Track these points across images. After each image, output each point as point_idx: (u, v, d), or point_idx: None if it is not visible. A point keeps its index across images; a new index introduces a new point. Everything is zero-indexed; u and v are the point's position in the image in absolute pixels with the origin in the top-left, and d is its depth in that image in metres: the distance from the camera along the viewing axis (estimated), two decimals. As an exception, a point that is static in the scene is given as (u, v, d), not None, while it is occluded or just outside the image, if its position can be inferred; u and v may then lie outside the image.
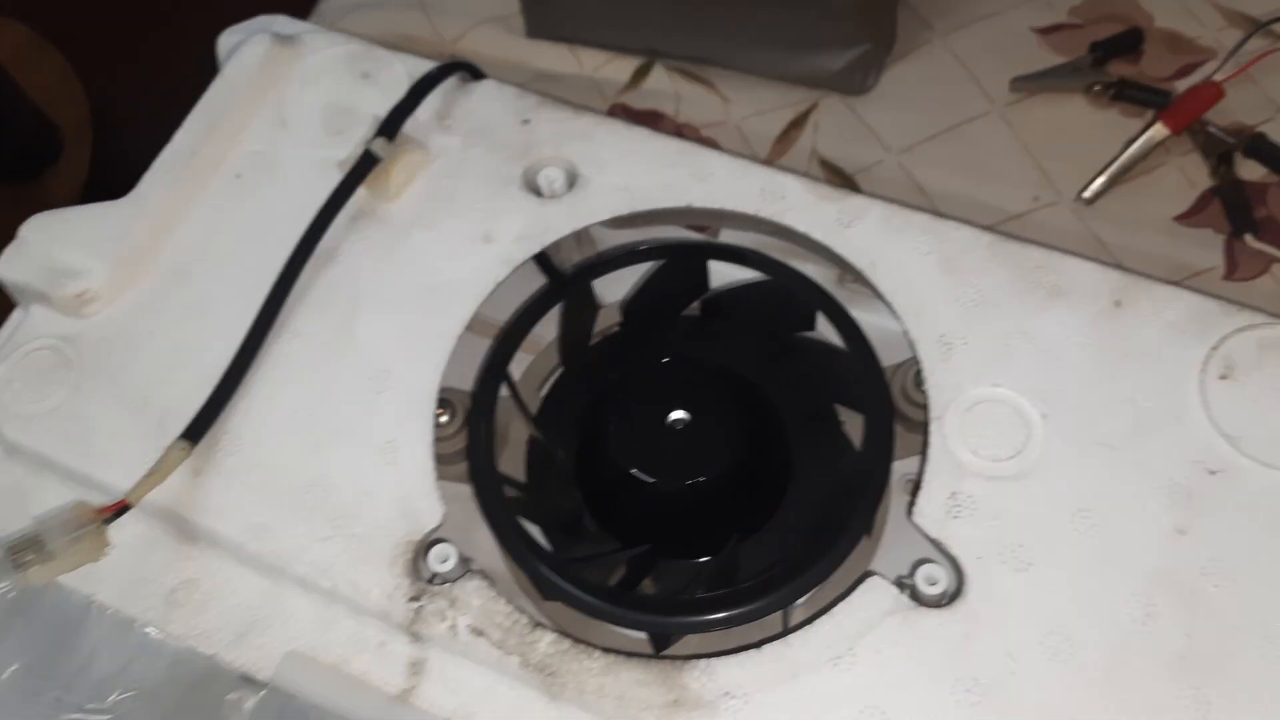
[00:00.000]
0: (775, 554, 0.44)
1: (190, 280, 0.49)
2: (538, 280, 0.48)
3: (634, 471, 0.44)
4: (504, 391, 0.46)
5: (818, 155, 0.57)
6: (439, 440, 0.44)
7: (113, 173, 0.50)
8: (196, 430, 0.44)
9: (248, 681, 0.42)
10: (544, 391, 0.50)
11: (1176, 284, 0.45)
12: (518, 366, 0.49)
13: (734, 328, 0.48)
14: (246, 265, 0.48)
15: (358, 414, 0.45)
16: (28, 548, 0.39)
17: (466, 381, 0.46)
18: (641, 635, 0.43)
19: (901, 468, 0.44)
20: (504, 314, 0.48)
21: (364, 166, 0.47)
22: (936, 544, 0.40)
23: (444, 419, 0.45)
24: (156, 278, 0.49)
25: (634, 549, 0.43)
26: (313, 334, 0.46)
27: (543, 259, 0.48)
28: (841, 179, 0.50)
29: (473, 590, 0.41)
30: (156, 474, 0.42)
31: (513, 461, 0.48)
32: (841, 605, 0.40)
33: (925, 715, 0.38)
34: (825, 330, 0.47)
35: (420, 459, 0.44)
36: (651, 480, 0.44)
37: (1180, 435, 0.41)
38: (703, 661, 0.39)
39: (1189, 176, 0.56)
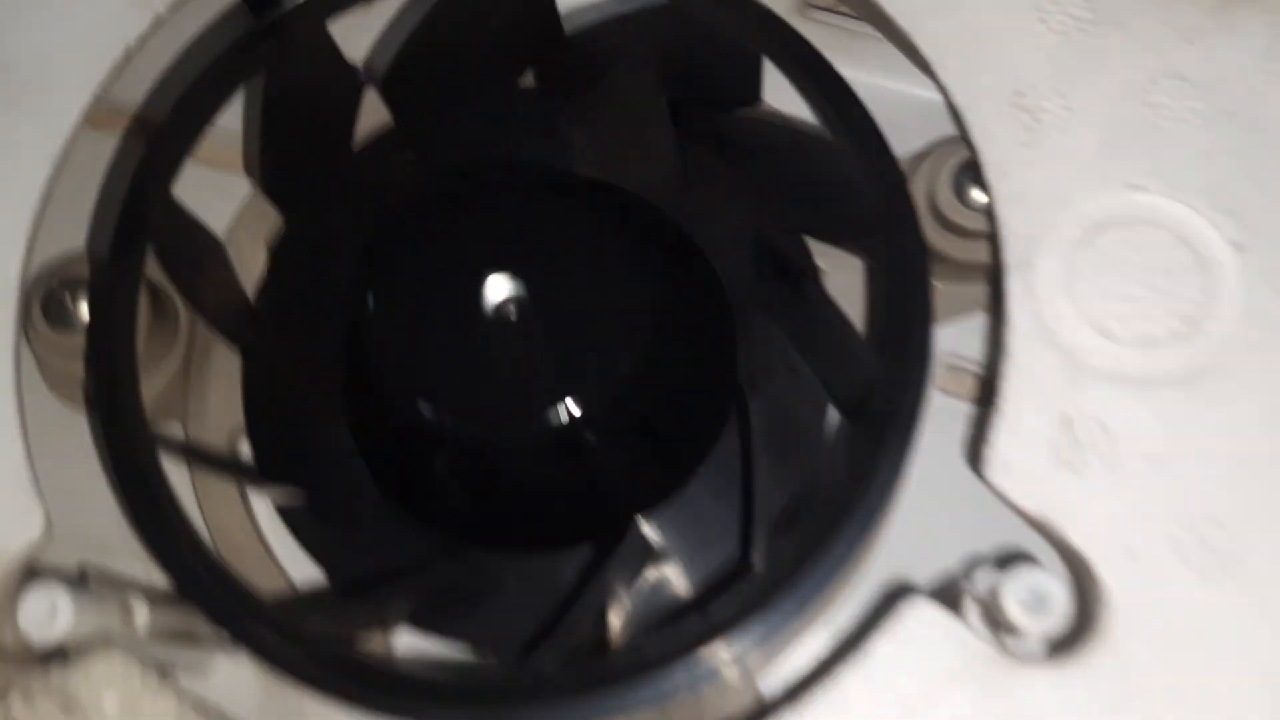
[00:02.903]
0: (711, 548, 0.24)
1: None
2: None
3: (423, 411, 0.24)
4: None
5: None
6: (44, 362, 0.26)
7: None
8: None
9: None
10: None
11: None
12: (203, 202, 0.27)
13: (611, 104, 0.27)
14: None
15: None
16: None
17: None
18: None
19: (948, 341, 0.26)
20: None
21: None
22: (1039, 526, 0.22)
23: (74, 318, 0.26)
24: None
25: (428, 565, 0.23)
26: None
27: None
28: None
29: (106, 676, 0.23)
30: None
31: (225, 387, 0.27)
32: (852, 670, 0.21)
33: None
34: (783, 100, 0.28)
35: None
36: (459, 427, 0.24)
37: None
38: None
39: None
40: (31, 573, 0.24)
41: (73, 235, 0.27)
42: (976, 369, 0.26)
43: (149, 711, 0.23)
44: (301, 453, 0.27)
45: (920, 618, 0.22)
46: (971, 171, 0.26)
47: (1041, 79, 0.25)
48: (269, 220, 0.30)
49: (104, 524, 0.26)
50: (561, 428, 0.24)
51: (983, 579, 0.22)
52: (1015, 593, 0.22)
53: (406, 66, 0.27)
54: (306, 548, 0.26)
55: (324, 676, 0.22)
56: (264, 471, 0.26)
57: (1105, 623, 0.22)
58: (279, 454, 0.27)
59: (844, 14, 0.30)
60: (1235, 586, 0.21)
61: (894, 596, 0.23)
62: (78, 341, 0.26)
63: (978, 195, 0.27)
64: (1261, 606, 0.22)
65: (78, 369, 0.26)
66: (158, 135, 0.26)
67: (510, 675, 0.22)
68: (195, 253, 0.26)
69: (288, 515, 0.26)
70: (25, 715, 0.23)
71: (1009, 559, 0.22)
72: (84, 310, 0.27)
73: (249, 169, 0.27)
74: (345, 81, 0.28)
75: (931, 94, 0.27)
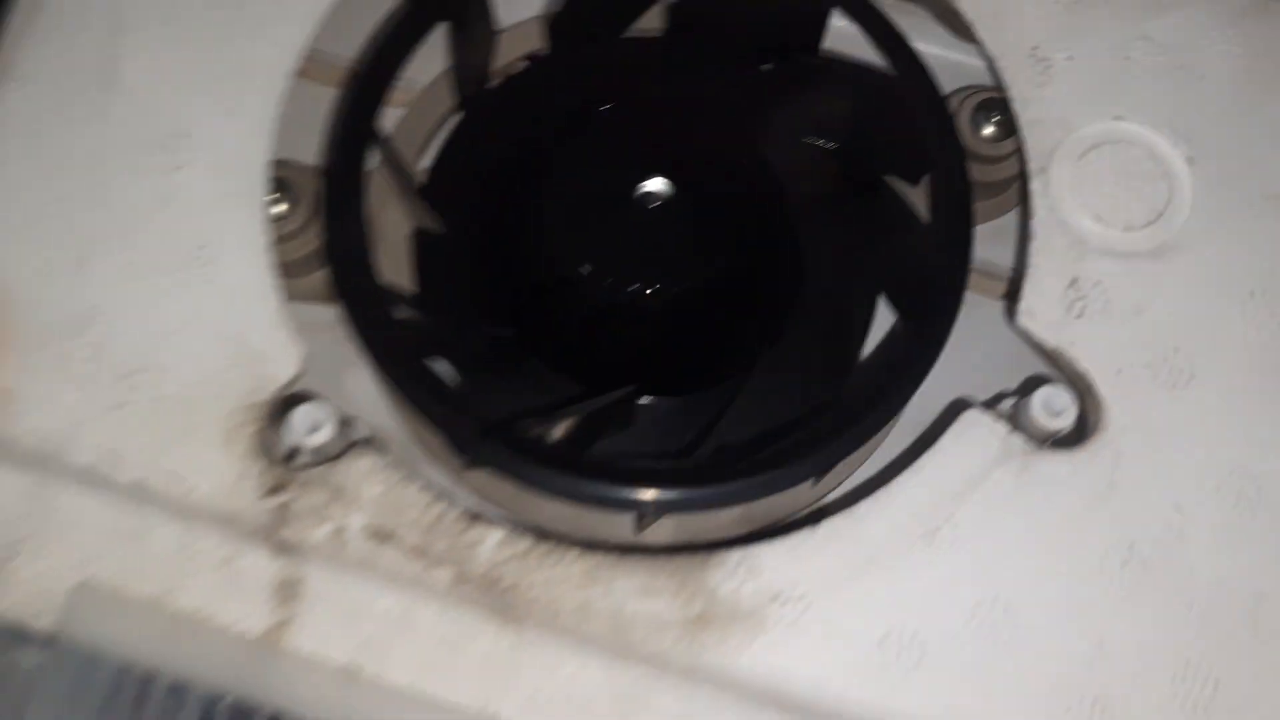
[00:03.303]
0: (808, 386, 0.31)
1: None
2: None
3: (585, 274, 0.30)
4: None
5: None
6: (280, 242, 0.31)
7: None
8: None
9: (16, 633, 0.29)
10: (426, 162, 0.35)
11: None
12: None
13: (713, 51, 0.34)
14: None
15: (145, 204, 0.30)
16: None
17: (306, 150, 0.33)
18: (626, 520, 0.31)
19: (985, 251, 0.32)
20: (349, 47, 0.34)
21: None
22: (1055, 356, 0.30)
23: (281, 208, 0.32)
24: None
25: (602, 396, 0.30)
26: (52, 79, 0.31)
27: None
28: None
29: (365, 471, 0.29)
30: None
31: (392, 267, 0.33)
32: (927, 455, 0.29)
33: (1067, 605, 0.28)
34: (846, 46, 0.34)
35: (254, 270, 0.30)
36: (614, 287, 0.30)
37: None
38: (735, 552, 0.28)
39: None
40: (294, 398, 0.29)
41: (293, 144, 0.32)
42: (993, 271, 0.34)
43: (402, 499, 0.28)
44: (458, 313, 0.33)
45: (974, 421, 0.29)
46: (984, 111, 0.33)
47: (1052, 37, 0.32)
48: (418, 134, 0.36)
49: (344, 362, 0.31)
50: (697, 289, 0.30)
51: (1012, 399, 0.30)
52: (1039, 402, 0.29)
53: (564, 17, 0.33)
54: (474, 387, 0.32)
55: (547, 475, 0.28)
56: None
57: (1102, 423, 0.29)
58: (443, 314, 0.33)
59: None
60: (1190, 394, 0.29)
61: (956, 409, 0.29)
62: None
63: (988, 130, 0.33)
64: (1208, 408, 0.29)
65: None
66: (366, 78, 0.32)
67: (677, 464, 0.29)
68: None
69: (456, 357, 0.32)
70: (301, 503, 0.28)
71: (1037, 381, 0.29)
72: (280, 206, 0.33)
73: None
74: (489, 35, 0.35)
75: (950, 54, 0.35)
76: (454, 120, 0.35)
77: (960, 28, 0.32)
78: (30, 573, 0.29)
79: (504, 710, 0.28)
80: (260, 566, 0.29)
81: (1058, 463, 0.29)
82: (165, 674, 0.29)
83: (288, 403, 0.29)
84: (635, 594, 0.27)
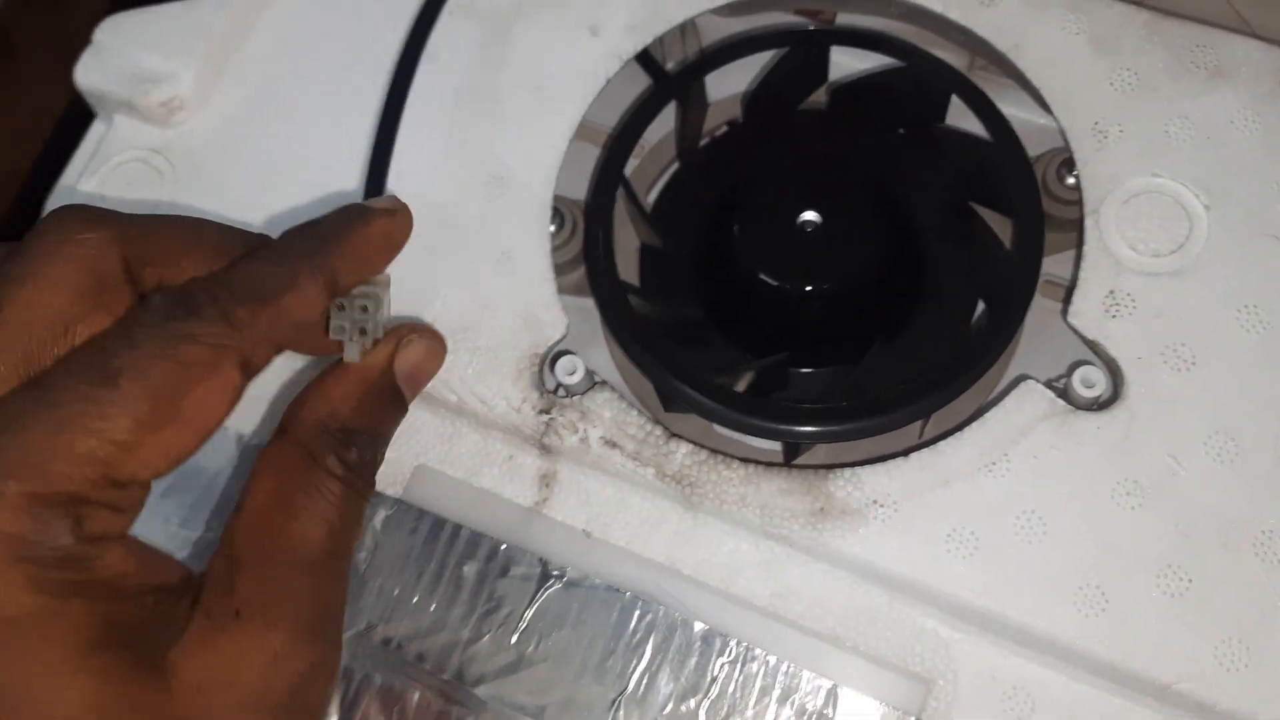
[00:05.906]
0: (916, 361, 0.41)
1: (282, 83, 0.46)
2: (643, 80, 0.45)
3: (762, 276, 0.41)
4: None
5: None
6: (555, 250, 0.42)
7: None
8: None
9: (376, 496, 0.41)
10: (651, 197, 0.47)
11: (1347, 60, 0.41)
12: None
13: (861, 120, 0.45)
14: (337, 63, 0.45)
15: (472, 223, 0.42)
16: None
17: (573, 189, 0.44)
18: (775, 447, 0.42)
19: (1050, 268, 0.41)
20: (608, 118, 0.45)
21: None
22: (1093, 345, 0.38)
23: (552, 228, 0.43)
24: (246, 81, 0.46)
25: (766, 358, 0.41)
26: (419, 143, 0.44)
27: (645, 58, 0.45)
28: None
29: (603, 402, 0.40)
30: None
31: (625, 271, 0.45)
32: (994, 411, 0.38)
33: (1085, 519, 0.36)
34: (961, 121, 0.43)
35: (540, 269, 0.41)
36: (782, 285, 0.41)
37: (1352, 224, 0.39)
38: (847, 470, 0.38)
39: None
40: (561, 352, 0.39)
41: (566, 185, 0.43)
42: (1058, 281, 0.42)
43: (625, 421, 0.38)
44: (670, 303, 0.45)
45: (1030, 389, 0.37)
46: (1065, 166, 0.41)
47: (1109, 115, 0.40)
48: (649, 177, 0.48)
49: (592, 333, 0.42)
50: (835, 289, 0.40)
51: (1064, 373, 0.39)
52: (1079, 378, 0.37)
53: (756, 97, 0.46)
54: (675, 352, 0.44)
55: (743, 418, 0.39)
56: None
57: (1123, 395, 0.37)
58: (660, 303, 0.45)
59: (995, 71, 0.45)
60: (1190, 378, 0.37)
61: (1018, 381, 0.38)
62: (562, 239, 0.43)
63: (1069, 179, 0.42)
64: (1202, 387, 0.37)
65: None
66: (617, 140, 0.44)
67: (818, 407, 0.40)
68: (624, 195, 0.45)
69: (665, 330, 0.44)
70: (559, 421, 0.38)
71: (1078, 363, 0.37)
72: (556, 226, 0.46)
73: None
74: (702, 109, 0.47)
75: (1042, 121, 0.42)
76: (674, 168, 0.47)
77: (1042, 103, 0.42)
78: (386, 460, 0.40)
79: (684, 567, 0.39)
80: (531, 461, 0.40)
81: (1088, 421, 0.37)
82: (468, 527, 0.40)
83: (556, 355, 0.39)
84: (777, 493, 0.38)
